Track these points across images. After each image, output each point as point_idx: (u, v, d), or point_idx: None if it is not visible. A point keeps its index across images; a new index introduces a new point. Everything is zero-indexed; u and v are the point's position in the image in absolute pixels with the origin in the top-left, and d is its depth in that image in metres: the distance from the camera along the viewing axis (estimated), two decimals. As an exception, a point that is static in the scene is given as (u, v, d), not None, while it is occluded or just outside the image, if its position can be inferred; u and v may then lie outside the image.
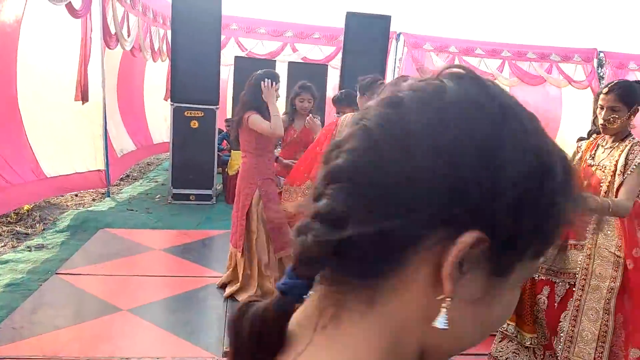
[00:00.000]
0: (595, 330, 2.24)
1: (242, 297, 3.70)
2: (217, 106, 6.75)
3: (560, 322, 2.39)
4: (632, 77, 10.50)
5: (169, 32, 8.95)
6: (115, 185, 7.25)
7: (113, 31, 6.53)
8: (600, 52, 10.56)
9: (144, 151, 8.94)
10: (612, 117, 2.41)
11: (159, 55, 8.56)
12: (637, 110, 2.49)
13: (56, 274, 4.06)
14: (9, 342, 3.01)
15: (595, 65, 10.59)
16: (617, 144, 2.47)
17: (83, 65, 5.67)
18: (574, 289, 2.35)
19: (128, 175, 8.27)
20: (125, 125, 7.99)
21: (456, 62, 10.36)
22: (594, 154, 2.58)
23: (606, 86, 2.50)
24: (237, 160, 7.05)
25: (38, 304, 3.54)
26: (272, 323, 0.45)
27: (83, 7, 5.39)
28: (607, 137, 2.54)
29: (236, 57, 7.14)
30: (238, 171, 6.96)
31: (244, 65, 6.86)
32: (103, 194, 6.88)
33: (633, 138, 2.46)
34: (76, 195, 6.64)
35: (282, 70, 7.17)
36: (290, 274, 0.45)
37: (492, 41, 10.53)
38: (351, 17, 6.80)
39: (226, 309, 3.64)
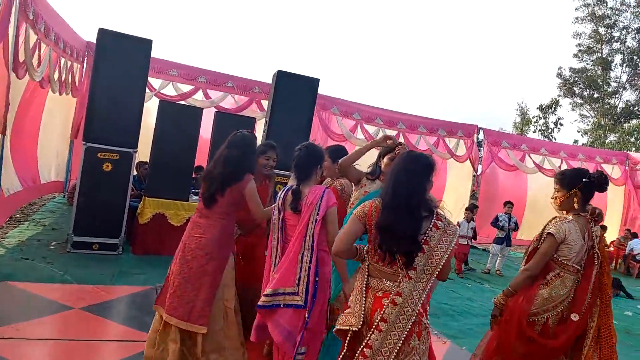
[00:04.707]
0: None
1: None
2: (136, 150, 6.30)
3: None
4: (503, 154, 12.03)
5: (75, 65, 8.34)
6: (-1, 228, 6.29)
7: (22, 59, 5.86)
8: (480, 128, 11.99)
9: (31, 192, 7.91)
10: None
11: (64, 88, 7.81)
12: (577, 195, 2.96)
13: (-39, 339, 3.37)
14: None
15: (476, 139, 11.97)
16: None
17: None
18: None
19: (10, 217, 7.23)
20: (13, 163, 7.05)
21: (358, 129, 11.03)
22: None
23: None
24: (150, 208, 6.62)
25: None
26: None
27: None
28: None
29: (161, 102, 6.76)
30: (150, 220, 6.61)
31: (168, 110, 6.53)
32: (-14, 238, 5.93)
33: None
34: (-46, 240, 5.63)
35: (209, 118, 7.01)
36: None
37: (391, 109, 11.40)
38: (281, 75, 6.93)
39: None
